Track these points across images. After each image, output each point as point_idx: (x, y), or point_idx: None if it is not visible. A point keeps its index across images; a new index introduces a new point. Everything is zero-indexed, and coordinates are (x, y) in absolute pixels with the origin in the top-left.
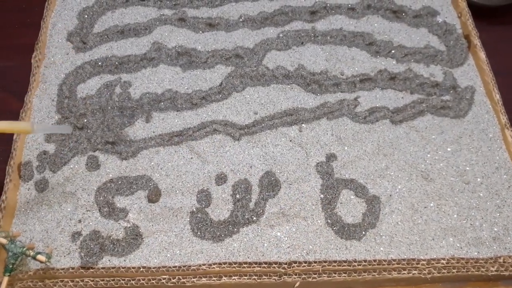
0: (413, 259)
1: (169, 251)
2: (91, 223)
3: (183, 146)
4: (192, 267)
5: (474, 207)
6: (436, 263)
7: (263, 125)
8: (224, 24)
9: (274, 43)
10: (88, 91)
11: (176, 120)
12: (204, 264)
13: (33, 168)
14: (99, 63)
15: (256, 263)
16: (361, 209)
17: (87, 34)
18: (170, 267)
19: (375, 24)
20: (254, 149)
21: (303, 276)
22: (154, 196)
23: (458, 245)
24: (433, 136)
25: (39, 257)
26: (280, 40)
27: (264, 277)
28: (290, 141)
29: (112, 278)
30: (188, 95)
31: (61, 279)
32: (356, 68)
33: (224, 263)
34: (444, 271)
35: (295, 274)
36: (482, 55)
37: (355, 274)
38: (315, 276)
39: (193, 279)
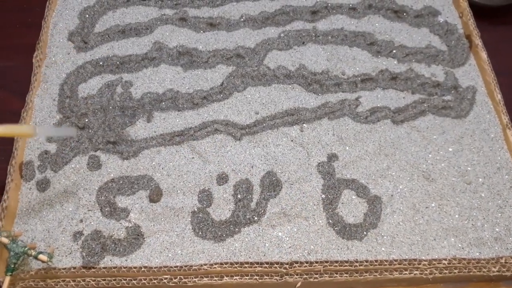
0: (415, 260)
1: (170, 251)
2: (92, 223)
3: (184, 146)
4: (193, 267)
5: (475, 208)
6: (438, 263)
7: (264, 125)
8: (225, 23)
9: (275, 43)
10: (90, 90)
11: (177, 120)
12: (205, 264)
13: (35, 168)
14: (100, 63)
15: (257, 263)
16: (362, 209)
17: (88, 34)
18: (171, 267)
19: (376, 24)
20: (255, 149)
21: (305, 276)
22: (155, 196)
23: (459, 245)
24: (435, 136)
25: (40, 256)
26: (281, 40)
27: (265, 277)
28: (292, 141)
29: (113, 278)
30: (189, 94)
31: (62, 279)
32: (357, 68)
33: (226, 263)
34: (445, 271)
35: (297, 274)
36: (484, 55)
37: (356, 275)
38: (317, 276)
39: (194, 279)
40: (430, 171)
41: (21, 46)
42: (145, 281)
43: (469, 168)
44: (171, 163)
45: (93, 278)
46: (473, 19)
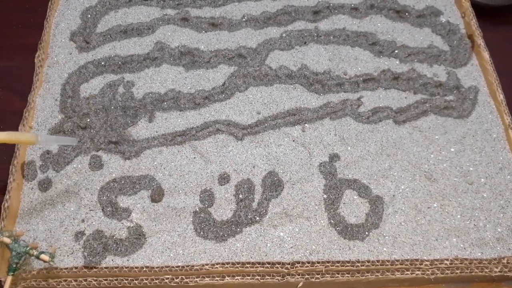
0: (417, 260)
1: (172, 251)
2: (94, 223)
3: (186, 146)
4: (195, 267)
5: (477, 208)
6: (440, 263)
7: (266, 125)
8: (227, 24)
9: (277, 43)
10: (91, 90)
11: (179, 120)
12: (207, 264)
13: (37, 168)
14: (102, 63)
15: (259, 263)
16: (364, 209)
17: (90, 34)
18: (173, 267)
19: (378, 24)
20: (257, 149)
21: (306, 276)
22: (157, 196)
23: (461, 245)
24: (437, 136)
25: (42, 256)
26: (283, 40)
27: (267, 277)
28: (293, 141)
29: (115, 278)
30: (191, 95)
31: (64, 279)
32: (359, 68)
33: (227, 263)
34: (447, 271)
35: (298, 274)
36: (486, 55)
37: (358, 275)
38: (318, 276)
39: (196, 279)
40: (432, 171)
41: (23, 46)
42: (146, 281)
43: (471, 168)
44: (172, 163)
45: (94, 278)
46: (475, 19)
